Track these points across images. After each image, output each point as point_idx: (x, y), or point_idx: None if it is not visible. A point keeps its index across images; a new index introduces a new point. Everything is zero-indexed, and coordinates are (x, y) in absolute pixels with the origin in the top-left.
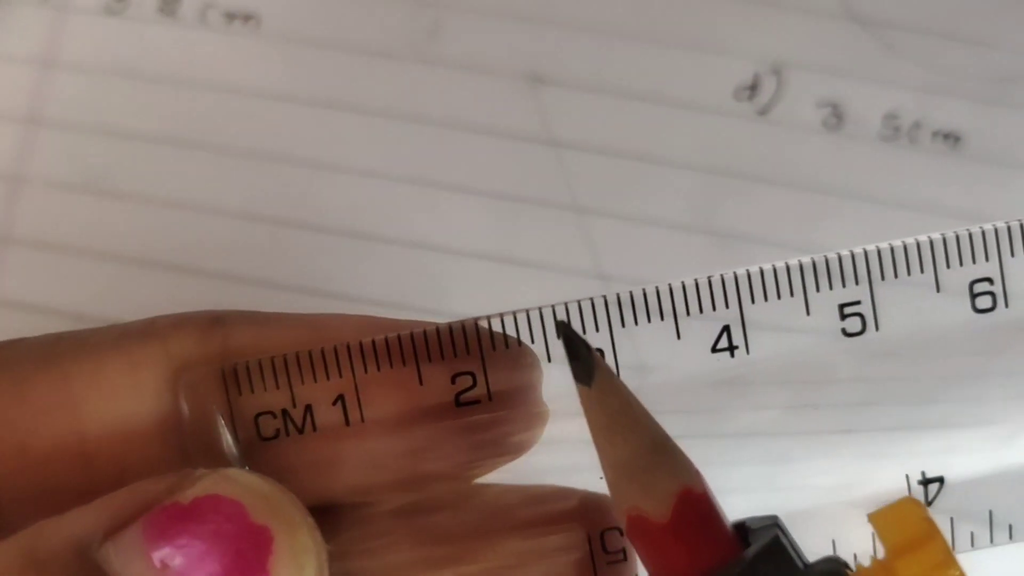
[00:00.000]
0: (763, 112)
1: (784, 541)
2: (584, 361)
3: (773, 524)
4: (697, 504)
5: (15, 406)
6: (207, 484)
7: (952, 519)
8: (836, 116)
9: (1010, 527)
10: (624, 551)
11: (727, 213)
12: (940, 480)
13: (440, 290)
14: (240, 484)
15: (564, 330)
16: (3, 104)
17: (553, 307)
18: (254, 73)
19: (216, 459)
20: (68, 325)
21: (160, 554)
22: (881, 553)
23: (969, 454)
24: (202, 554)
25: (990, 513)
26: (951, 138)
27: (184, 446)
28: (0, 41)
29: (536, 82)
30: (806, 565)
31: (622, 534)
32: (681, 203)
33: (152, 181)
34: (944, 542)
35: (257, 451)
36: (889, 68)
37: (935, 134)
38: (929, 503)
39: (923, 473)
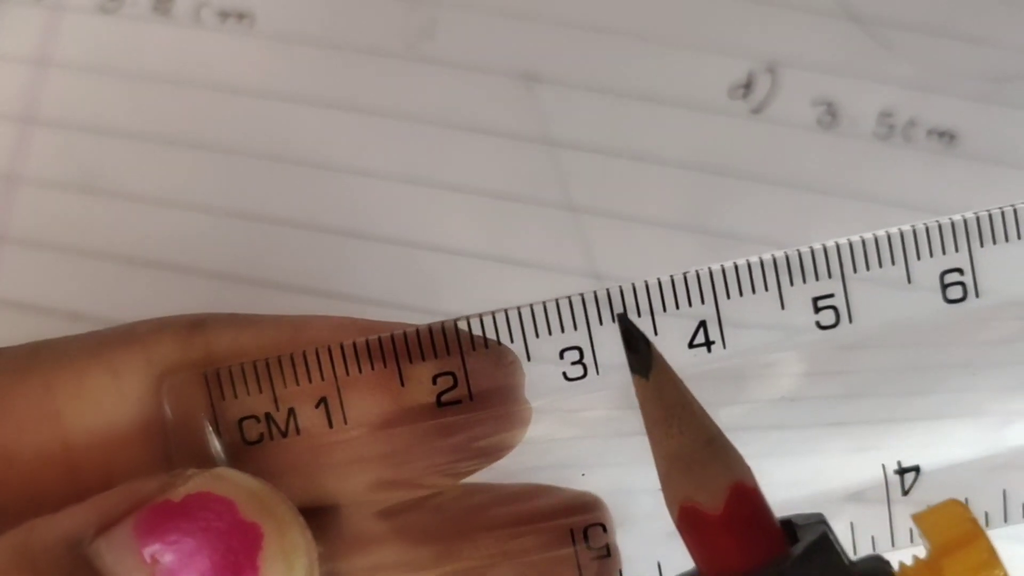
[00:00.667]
0: (757, 110)
1: (832, 537)
2: (642, 353)
3: (820, 521)
4: (749, 498)
5: None
6: (199, 482)
7: (928, 507)
8: (830, 114)
9: (986, 514)
10: (607, 547)
11: (721, 212)
12: (916, 469)
13: (434, 289)
14: (231, 482)
15: (623, 323)
16: None
17: (531, 306)
18: (248, 72)
19: (202, 463)
20: (63, 324)
21: (151, 550)
22: (923, 553)
23: (943, 444)
24: (192, 550)
25: (966, 501)
26: (946, 136)
27: (169, 451)
28: None
29: (531, 81)
30: (850, 562)
31: (605, 531)
32: (675, 202)
33: (146, 180)
34: (989, 542)
35: (242, 455)
36: (884, 66)
37: (930, 132)
38: (905, 492)
39: (899, 463)
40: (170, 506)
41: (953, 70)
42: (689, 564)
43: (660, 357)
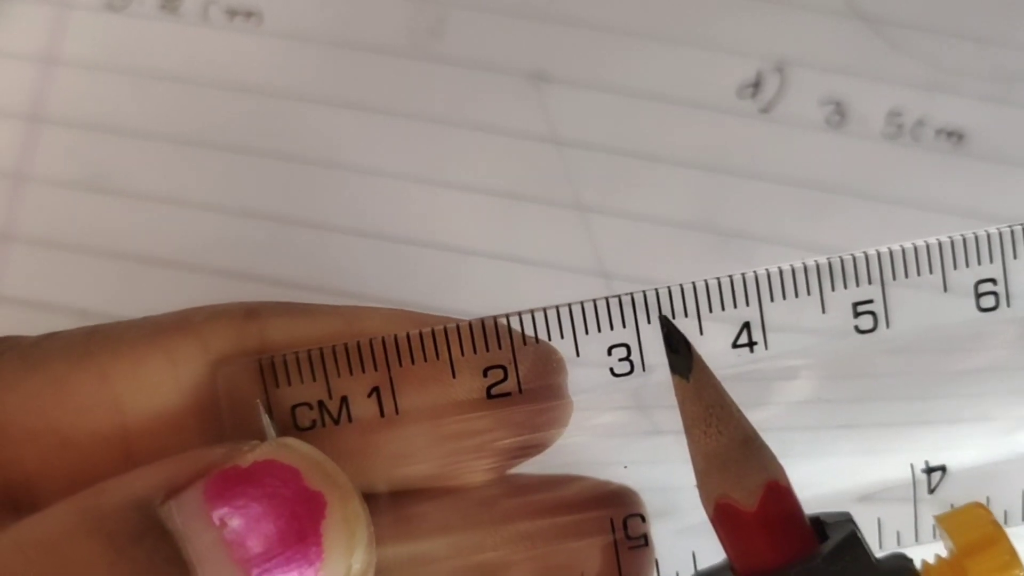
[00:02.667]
0: (766, 110)
1: (860, 535)
2: (682, 355)
3: (848, 520)
4: (783, 496)
5: (55, 404)
6: (265, 450)
7: (952, 505)
8: (839, 114)
9: (1005, 513)
10: (645, 536)
11: (729, 211)
12: (943, 469)
13: (442, 287)
14: (297, 452)
15: (666, 325)
16: (5, 101)
17: (582, 304)
18: (256, 70)
19: None
20: (70, 322)
21: (219, 513)
22: (946, 552)
23: (970, 446)
24: (259, 515)
25: (988, 500)
26: (954, 136)
27: (223, 437)
28: (2, 38)
29: (540, 80)
30: (876, 560)
31: (644, 520)
32: (683, 201)
33: (153, 178)
34: (1010, 544)
35: None
36: (892, 65)
37: (938, 132)
38: (932, 491)
39: (927, 463)
40: (238, 472)
41: (961, 70)
42: (720, 556)
43: (700, 359)
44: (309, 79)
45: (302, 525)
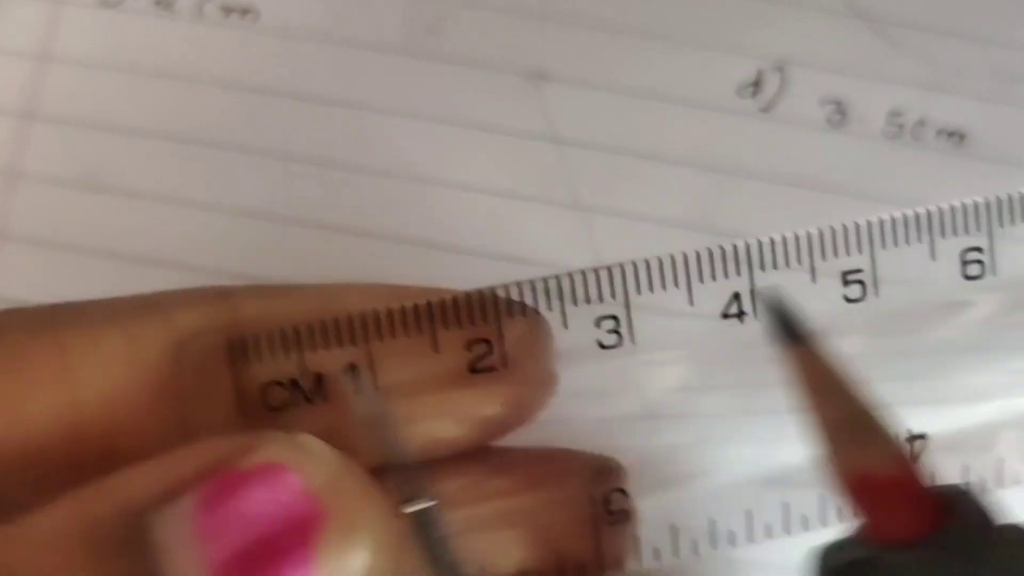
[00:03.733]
0: (766, 109)
1: (987, 506)
2: (795, 323)
3: (967, 491)
4: (912, 463)
5: (10, 376)
6: (268, 452)
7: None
8: (839, 113)
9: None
10: (626, 512)
11: (729, 211)
12: (923, 437)
13: (441, 287)
14: (303, 453)
15: (771, 297)
16: None
17: (571, 274)
18: (252, 68)
19: (219, 431)
20: None
21: (210, 523)
22: None
23: (949, 414)
24: (251, 523)
25: (965, 468)
26: (955, 136)
27: (185, 418)
28: None
29: (539, 79)
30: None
31: (625, 495)
32: (683, 201)
33: (148, 176)
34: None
35: (263, 422)
36: (893, 65)
37: (939, 132)
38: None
39: (908, 431)
40: (234, 476)
41: (963, 69)
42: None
43: (811, 327)
44: (305, 77)
45: (295, 538)
